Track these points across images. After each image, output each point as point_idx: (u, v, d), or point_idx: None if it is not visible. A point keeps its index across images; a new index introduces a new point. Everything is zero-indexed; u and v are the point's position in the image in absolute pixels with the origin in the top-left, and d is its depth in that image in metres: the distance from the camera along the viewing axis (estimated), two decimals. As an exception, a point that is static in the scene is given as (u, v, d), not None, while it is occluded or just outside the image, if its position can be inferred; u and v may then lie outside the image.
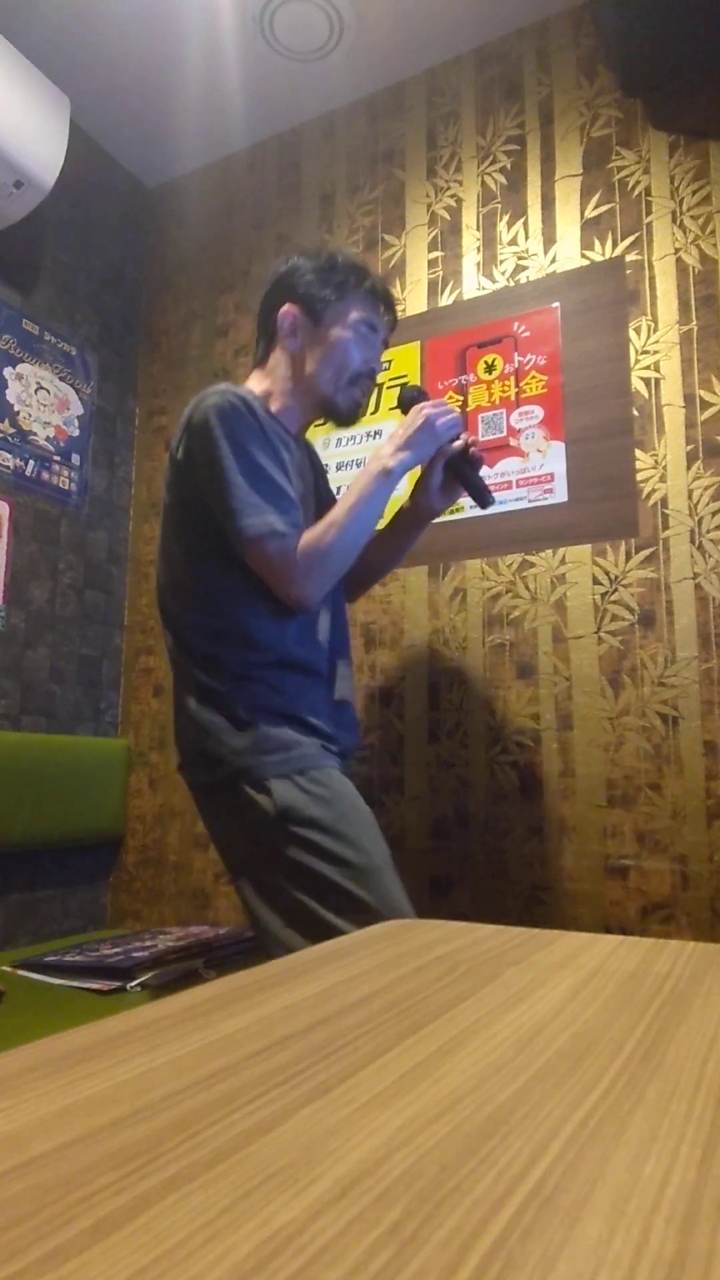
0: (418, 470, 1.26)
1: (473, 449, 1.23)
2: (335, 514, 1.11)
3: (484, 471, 1.58)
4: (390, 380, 1.76)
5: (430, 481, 1.25)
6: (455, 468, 1.23)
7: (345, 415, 1.26)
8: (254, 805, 1.06)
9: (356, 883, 1.03)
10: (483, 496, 1.22)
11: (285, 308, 1.23)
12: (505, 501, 1.61)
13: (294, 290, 1.23)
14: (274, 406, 1.22)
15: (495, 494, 1.62)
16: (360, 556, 1.25)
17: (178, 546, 1.17)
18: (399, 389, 1.32)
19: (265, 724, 1.09)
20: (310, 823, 1.05)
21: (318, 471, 1.36)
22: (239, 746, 1.08)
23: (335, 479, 1.72)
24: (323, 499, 1.32)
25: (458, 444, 1.21)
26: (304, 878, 1.04)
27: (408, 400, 1.24)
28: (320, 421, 1.31)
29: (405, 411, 1.23)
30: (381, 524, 1.30)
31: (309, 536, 1.09)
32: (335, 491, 1.39)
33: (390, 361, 1.76)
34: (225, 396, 1.10)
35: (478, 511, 1.63)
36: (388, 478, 1.14)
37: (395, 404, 1.30)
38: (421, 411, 1.18)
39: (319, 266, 1.23)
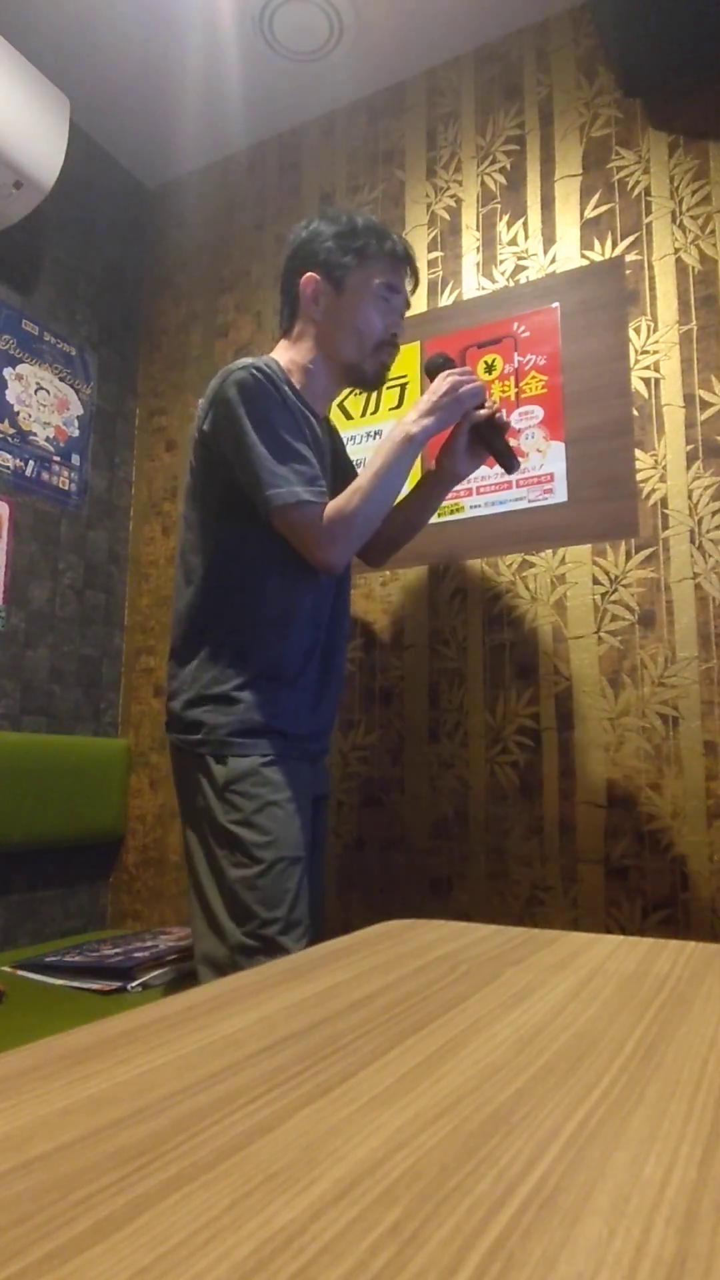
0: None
1: (498, 415, 1.25)
2: (360, 480, 1.14)
3: (483, 472, 1.59)
4: (390, 381, 1.75)
5: (455, 446, 1.28)
6: (480, 433, 1.26)
7: (371, 381, 1.29)
8: (210, 772, 1.14)
9: (274, 859, 1.09)
10: (508, 461, 1.25)
11: (306, 276, 1.24)
12: (505, 501, 1.61)
13: (314, 257, 1.24)
14: (301, 377, 1.25)
15: (495, 494, 1.62)
16: (389, 519, 1.30)
17: (195, 514, 1.21)
18: (426, 359, 1.33)
19: (246, 700, 1.15)
20: (244, 793, 1.12)
21: (338, 446, 1.39)
22: (217, 721, 1.14)
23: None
24: (340, 473, 1.35)
25: (483, 411, 1.24)
26: (223, 843, 1.12)
27: (434, 368, 1.26)
28: (348, 391, 1.34)
29: (432, 379, 1.25)
30: (406, 488, 1.33)
31: (336, 503, 1.13)
32: (356, 465, 1.42)
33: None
34: (248, 370, 1.14)
35: (478, 511, 1.63)
36: (411, 444, 1.16)
37: (420, 376, 1.29)
38: (447, 378, 1.21)
39: (339, 231, 1.24)
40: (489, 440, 1.25)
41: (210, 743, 1.15)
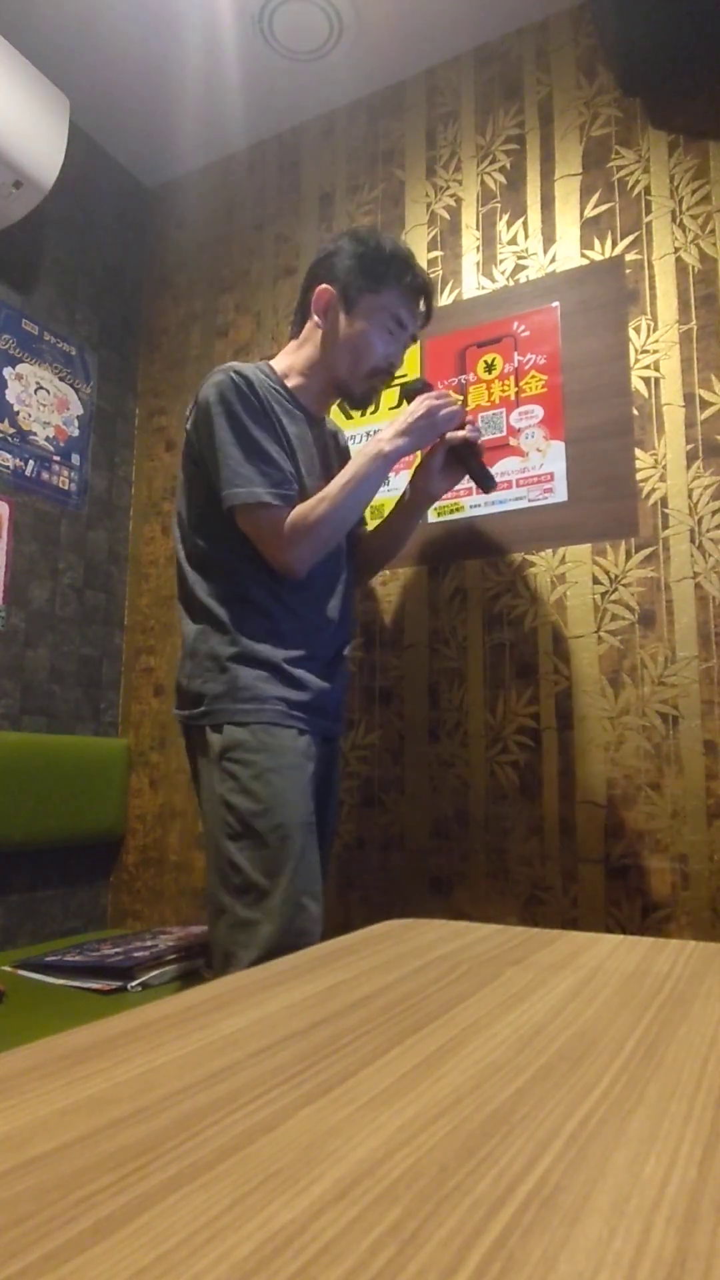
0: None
1: (473, 437, 1.28)
2: (328, 489, 1.18)
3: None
4: (395, 379, 1.75)
5: (431, 466, 1.32)
6: (458, 454, 1.29)
7: (356, 403, 1.33)
8: (208, 744, 1.15)
9: (270, 828, 1.09)
10: (484, 482, 1.29)
11: (321, 288, 1.26)
12: (505, 501, 1.61)
13: (333, 272, 1.26)
14: (295, 381, 1.28)
15: (495, 493, 1.62)
16: (366, 543, 1.38)
17: (186, 510, 1.25)
18: (404, 385, 1.36)
19: (247, 670, 1.16)
20: (240, 760, 1.12)
21: (340, 450, 1.42)
22: (217, 691, 1.16)
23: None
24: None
25: (459, 433, 1.27)
26: (221, 812, 1.11)
27: (411, 392, 1.30)
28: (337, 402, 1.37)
29: (410, 402, 1.28)
30: (380, 501, 1.36)
31: (301, 509, 1.16)
32: None
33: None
34: (227, 374, 1.18)
35: (478, 511, 1.63)
36: (383, 461, 1.20)
37: (399, 399, 1.34)
38: (423, 402, 1.24)
39: (364, 253, 1.26)
40: (465, 461, 1.29)
41: (211, 713, 1.15)
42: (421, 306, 1.31)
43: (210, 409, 1.16)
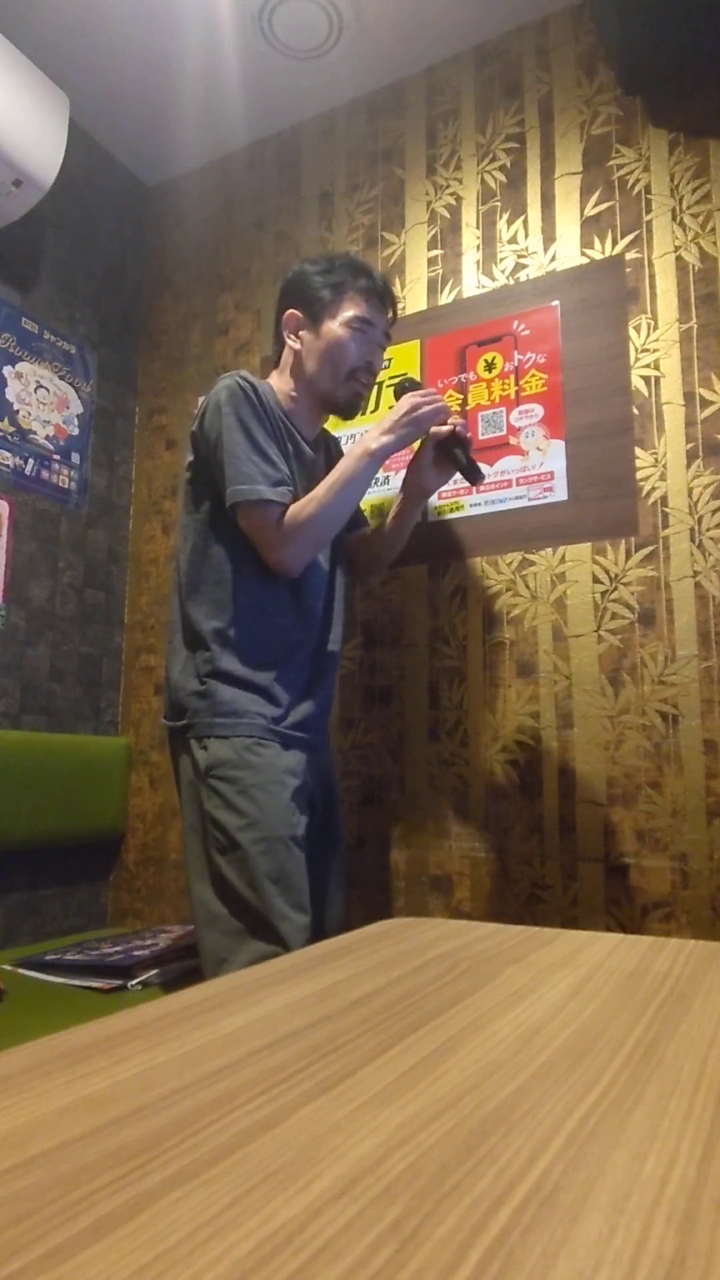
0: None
1: (459, 430, 1.31)
2: (318, 490, 1.22)
3: (486, 469, 1.59)
4: (390, 378, 1.75)
5: (421, 462, 1.35)
6: (445, 449, 1.32)
7: (345, 408, 1.36)
8: (193, 758, 1.18)
9: (252, 841, 1.11)
10: (472, 475, 1.32)
11: (289, 312, 1.34)
12: (505, 500, 1.61)
13: (295, 294, 1.34)
14: (288, 404, 1.34)
15: (495, 492, 1.62)
16: (368, 542, 1.44)
17: (186, 515, 1.28)
18: (395, 383, 1.39)
19: (227, 687, 1.19)
20: (225, 778, 1.15)
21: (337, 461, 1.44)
22: (198, 706, 1.19)
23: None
24: None
25: (445, 428, 1.31)
26: (209, 828, 1.15)
27: (400, 390, 1.34)
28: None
29: (398, 400, 1.32)
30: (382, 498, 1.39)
31: (293, 508, 1.20)
32: None
33: (391, 360, 1.76)
34: (236, 379, 1.23)
35: (478, 510, 1.63)
36: (370, 459, 1.23)
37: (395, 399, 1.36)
38: (407, 399, 1.28)
39: (317, 270, 1.34)
40: (453, 455, 1.31)
41: (195, 725, 1.19)
42: (382, 307, 1.35)
43: (220, 409, 1.21)
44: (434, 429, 1.29)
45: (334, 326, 1.30)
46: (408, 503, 1.40)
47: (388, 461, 1.71)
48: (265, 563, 1.21)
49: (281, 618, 1.25)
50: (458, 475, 1.36)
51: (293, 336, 1.33)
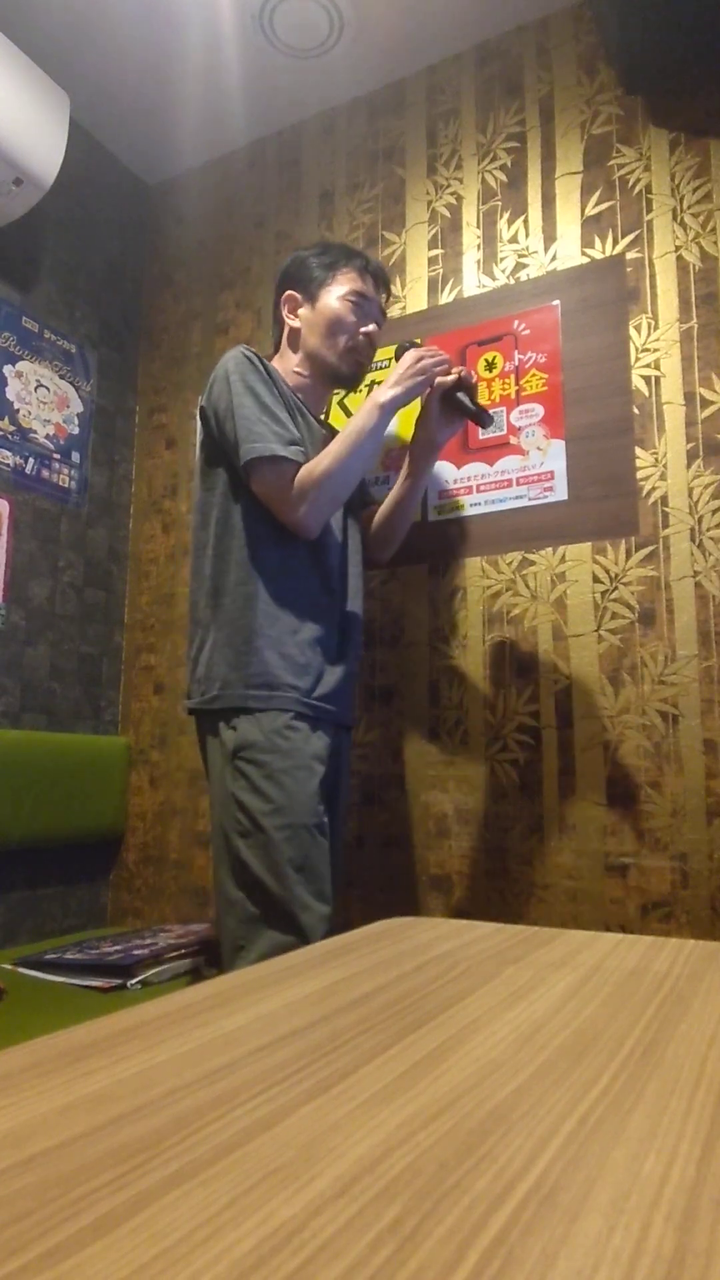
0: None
1: (464, 376, 1.34)
2: (331, 445, 1.23)
3: (483, 470, 1.59)
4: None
5: (429, 414, 1.38)
6: (451, 398, 1.35)
7: (348, 377, 1.40)
8: (221, 740, 1.18)
9: (276, 827, 1.11)
10: (481, 418, 1.35)
11: (286, 294, 1.39)
12: (505, 499, 1.61)
13: (291, 279, 1.40)
14: (293, 380, 1.38)
15: (495, 492, 1.62)
16: (383, 513, 1.46)
17: (204, 493, 1.30)
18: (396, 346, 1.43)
19: (261, 651, 1.19)
20: (253, 760, 1.14)
21: None
22: (230, 677, 1.18)
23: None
24: None
25: (449, 377, 1.34)
26: (231, 809, 1.14)
27: (401, 350, 1.38)
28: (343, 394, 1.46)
29: (399, 359, 1.37)
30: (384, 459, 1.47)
31: (307, 466, 1.21)
32: None
33: (391, 360, 1.76)
34: (241, 350, 1.27)
35: (478, 509, 1.63)
36: (380, 411, 1.25)
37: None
38: (410, 354, 1.32)
39: (311, 253, 1.39)
40: (459, 402, 1.34)
41: (224, 697, 1.18)
42: (377, 287, 1.40)
43: (227, 377, 1.24)
44: (439, 379, 1.32)
45: (330, 300, 1.35)
46: (418, 461, 1.42)
47: (386, 462, 1.72)
48: (283, 524, 1.21)
49: (308, 578, 1.25)
50: (457, 464, 1.37)
51: (292, 315, 1.38)
